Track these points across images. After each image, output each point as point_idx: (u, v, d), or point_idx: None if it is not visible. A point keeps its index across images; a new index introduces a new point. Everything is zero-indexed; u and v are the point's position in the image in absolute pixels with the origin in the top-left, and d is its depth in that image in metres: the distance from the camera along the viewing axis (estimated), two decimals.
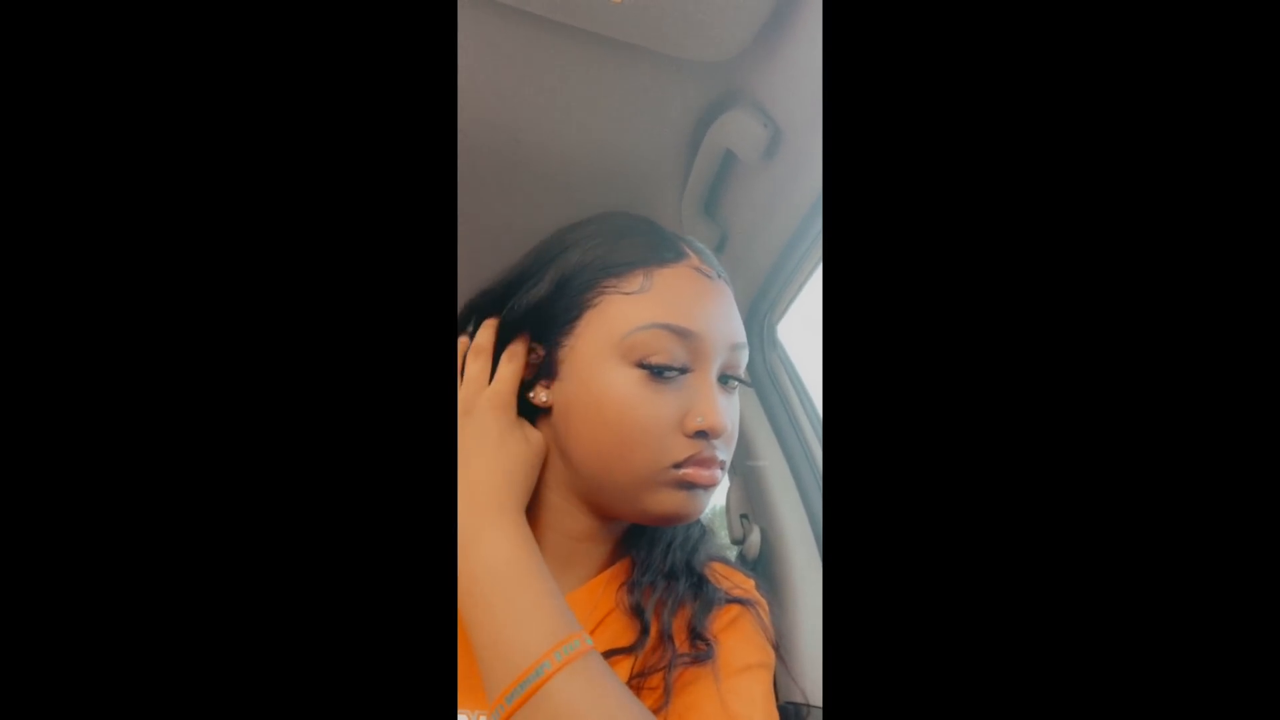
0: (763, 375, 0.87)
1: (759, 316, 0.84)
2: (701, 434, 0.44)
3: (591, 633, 0.48)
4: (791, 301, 0.84)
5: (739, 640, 0.47)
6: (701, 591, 0.49)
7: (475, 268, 0.53)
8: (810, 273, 0.77)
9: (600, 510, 0.48)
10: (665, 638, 0.46)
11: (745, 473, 0.86)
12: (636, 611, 0.47)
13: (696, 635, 0.46)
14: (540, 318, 0.47)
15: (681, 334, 0.44)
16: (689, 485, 0.44)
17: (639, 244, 0.47)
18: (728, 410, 0.46)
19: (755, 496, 0.84)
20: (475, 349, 0.48)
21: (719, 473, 0.45)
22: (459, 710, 0.43)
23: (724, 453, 0.46)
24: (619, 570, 0.51)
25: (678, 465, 0.44)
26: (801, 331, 0.94)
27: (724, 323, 0.46)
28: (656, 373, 0.44)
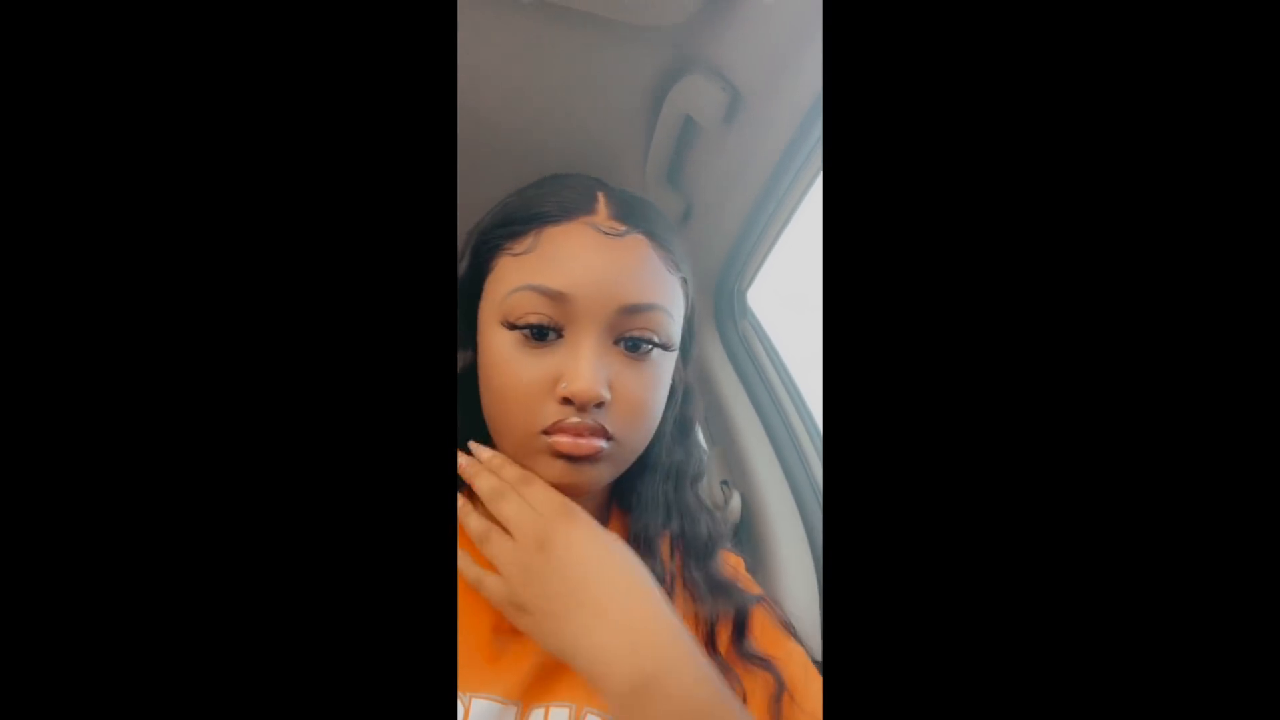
0: (735, 342, 0.88)
1: (728, 284, 0.85)
2: (569, 401, 0.41)
3: None
4: (760, 267, 0.84)
5: (776, 650, 0.48)
6: (726, 596, 0.49)
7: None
8: (776, 238, 0.78)
9: None
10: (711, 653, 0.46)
11: (723, 439, 0.87)
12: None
13: (749, 657, 0.47)
14: (466, 288, 0.47)
15: (551, 295, 0.42)
16: (561, 455, 0.42)
17: (545, 200, 0.45)
18: (618, 375, 0.43)
19: (734, 463, 0.85)
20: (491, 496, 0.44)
21: (596, 443, 0.42)
22: (457, 693, 0.43)
23: (609, 423, 0.42)
24: None
25: (546, 432, 0.42)
26: (772, 299, 0.94)
27: (612, 285, 0.43)
28: (533, 335, 0.42)
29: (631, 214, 0.46)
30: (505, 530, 0.42)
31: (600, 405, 0.42)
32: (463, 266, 0.47)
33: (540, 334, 0.42)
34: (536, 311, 0.42)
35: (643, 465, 0.49)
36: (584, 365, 0.42)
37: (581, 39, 0.58)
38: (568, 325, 0.43)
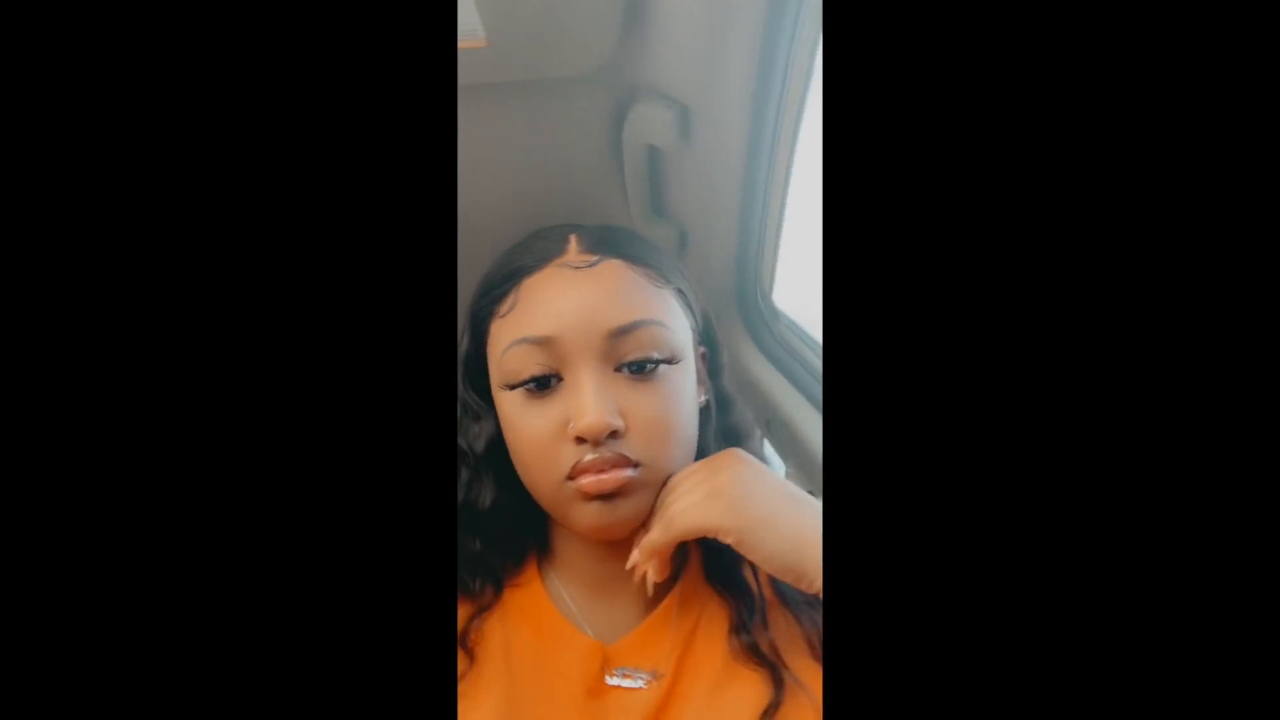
0: (775, 349, 0.85)
1: (748, 295, 0.83)
2: (582, 439, 0.41)
3: (679, 672, 0.45)
4: (774, 268, 0.83)
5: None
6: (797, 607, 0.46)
7: None
8: (778, 233, 0.76)
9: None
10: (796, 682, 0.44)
11: (793, 450, 0.84)
12: (756, 655, 0.44)
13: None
14: (474, 364, 0.48)
15: (539, 343, 0.42)
16: (591, 496, 0.41)
17: (520, 256, 0.46)
18: (628, 401, 0.42)
19: (810, 471, 0.81)
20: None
21: (621, 474, 0.41)
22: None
23: (630, 450, 0.41)
24: (689, 590, 0.48)
25: (570, 477, 0.41)
26: (799, 295, 0.92)
27: (594, 313, 0.42)
28: (536, 387, 0.42)
29: (602, 244, 0.46)
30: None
31: (615, 435, 0.41)
32: (464, 344, 0.48)
33: (542, 384, 0.42)
34: (531, 363, 0.42)
35: None
36: (587, 399, 0.41)
37: (526, 108, 0.60)
38: (564, 368, 0.42)
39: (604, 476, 0.41)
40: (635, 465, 0.42)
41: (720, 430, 0.51)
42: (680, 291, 0.47)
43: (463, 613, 0.46)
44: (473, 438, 0.48)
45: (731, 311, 0.83)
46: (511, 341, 0.43)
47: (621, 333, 0.42)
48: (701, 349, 0.50)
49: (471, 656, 0.45)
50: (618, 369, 0.43)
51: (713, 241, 0.74)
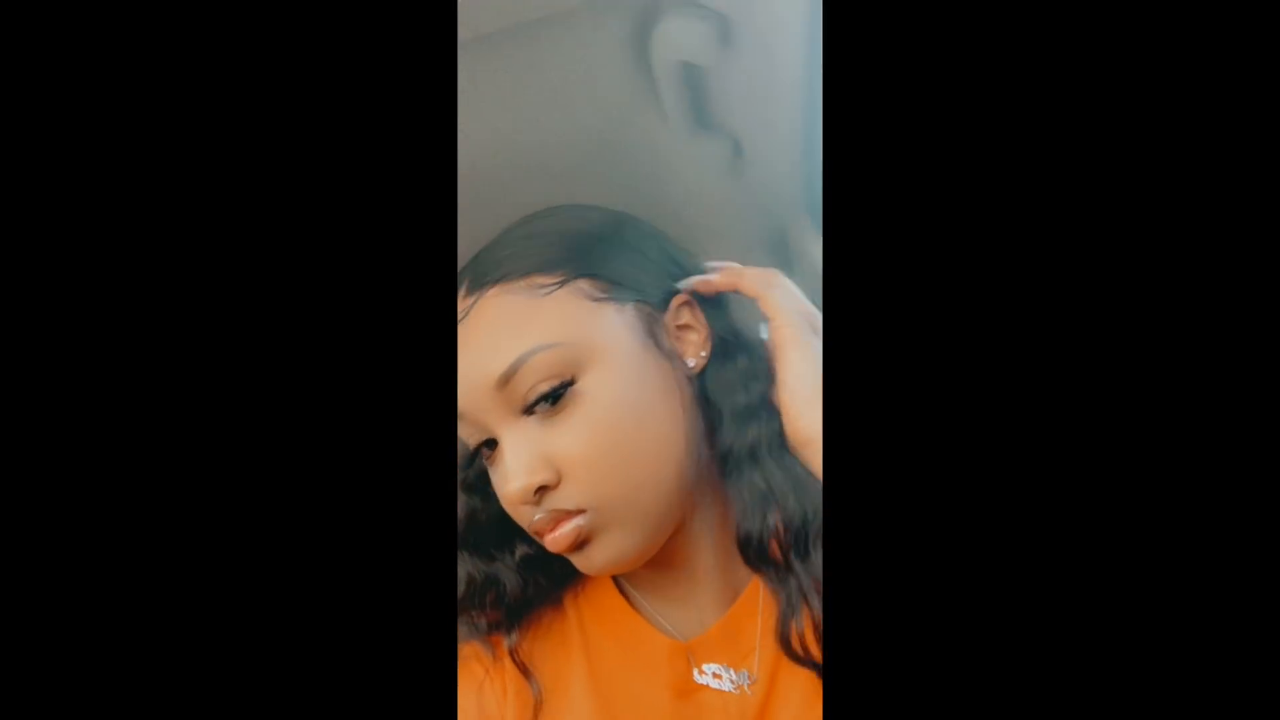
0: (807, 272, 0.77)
1: (815, 200, 0.74)
2: (526, 503, 0.39)
3: (772, 673, 0.43)
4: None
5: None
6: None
7: None
8: None
9: None
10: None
11: None
12: (798, 656, 0.41)
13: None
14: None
15: (461, 417, 0.40)
16: (560, 552, 0.40)
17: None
18: (550, 445, 0.38)
19: None
20: None
21: (568, 525, 0.38)
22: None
23: (570, 500, 0.38)
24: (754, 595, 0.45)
25: (536, 538, 0.40)
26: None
27: (473, 371, 0.38)
28: (487, 451, 0.41)
29: (477, 278, 0.41)
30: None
31: (545, 489, 0.38)
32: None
33: (486, 448, 0.41)
34: (466, 435, 0.41)
35: (714, 472, 0.44)
36: (506, 465, 0.38)
37: (546, 44, 0.52)
38: (491, 432, 0.40)
39: (556, 535, 0.38)
40: (580, 512, 0.38)
41: (734, 411, 0.44)
42: (589, 264, 0.41)
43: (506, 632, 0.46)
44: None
45: (802, 218, 0.75)
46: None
47: (504, 381, 0.38)
48: (684, 297, 0.44)
49: (530, 672, 0.44)
50: (527, 413, 0.38)
51: (772, 148, 0.65)
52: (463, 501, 0.47)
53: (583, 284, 0.42)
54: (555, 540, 0.39)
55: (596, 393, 0.39)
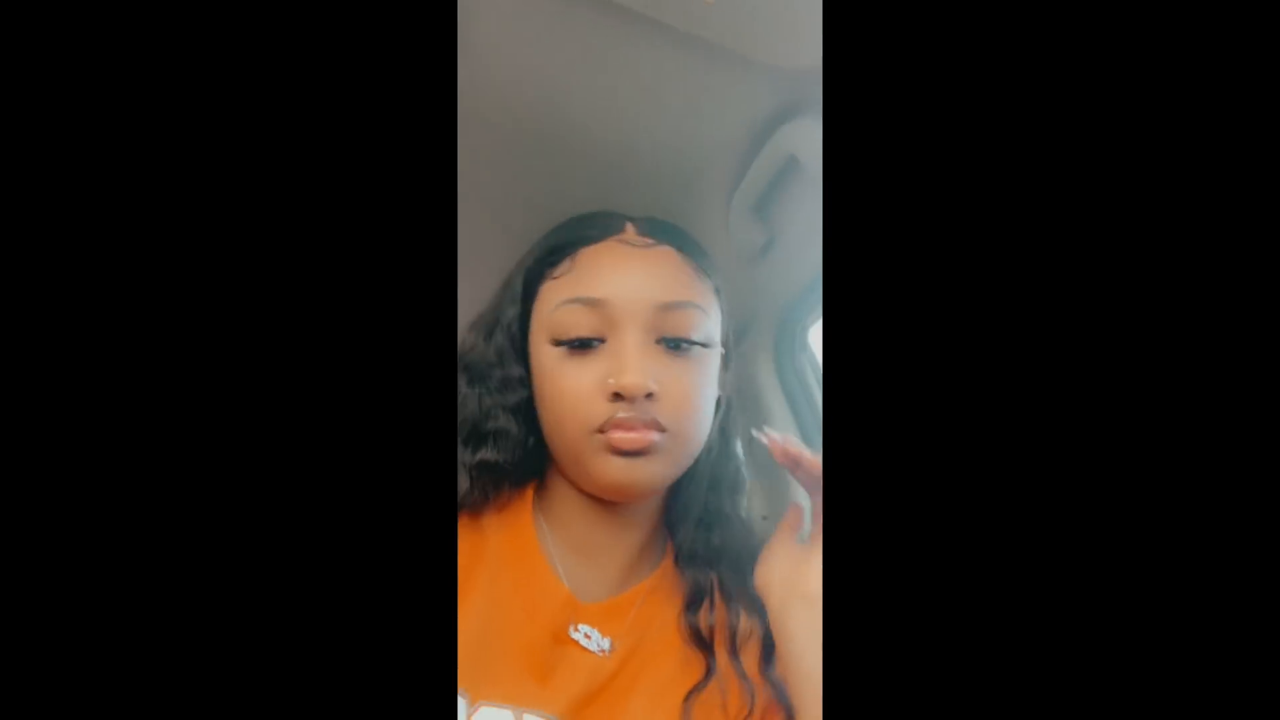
0: (790, 376, 0.88)
1: (792, 323, 0.85)
2: (619, 396, 0.44)
3: (632, 651, 0.48)
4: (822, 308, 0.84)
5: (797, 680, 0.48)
6: (758, 613, 0.49)
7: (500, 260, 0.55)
8: None
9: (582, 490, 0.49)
10: (740, 674, 0.47)
11: (766, 471, 0.87)
12: (698, 641, 0.48)
13: (772, 682, 0.48)
14: (518, 315, 0.50)
15: (590, 303, 0.46)
16: (618, 451, 0.44)
17: (578, 229, 0.49)
18: (663, 371, 0.45)
19: (774, 497, 0.85)
20: None
21: (649, 435, 0.44)
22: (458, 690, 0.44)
23: (659, 415, 0.45)
24: (660, 579, 0.51)
25: (600, 430, 0.44)
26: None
27: (646, 286, 0.46)
28: (575, 346, 0.45)
29: (657, 231, 0.50)
30: None
31: (649, 397, 0.44)
32: (506, 300, 0.51)
33: (585, 344, 0.46)
34: (580, 322, 0.46)
35: (688, 475, 0.51)
36: (630, 360, 0.44)
37: (688, 61, 0.58)
38: (609, 332, 0.46)
39: (633, 434, 0.44)
40: (662, 430, 0.45)
41: (720, 427, 0.54)
42: (717, 290, 0.51)
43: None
44: (498, 383, 0.50)
45: (771, 324, 0.85)
46: (566, 299, 0.46)
47: (668, 308, 0.46)
48: (721, 349, 0.53)
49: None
50: (658, 341, 0.46)
51: (795, 265, 0.74)
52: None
53: (715, 295, 0.53)
54: (630, 438, 0.44)
55: (707, 363, 0.49)
